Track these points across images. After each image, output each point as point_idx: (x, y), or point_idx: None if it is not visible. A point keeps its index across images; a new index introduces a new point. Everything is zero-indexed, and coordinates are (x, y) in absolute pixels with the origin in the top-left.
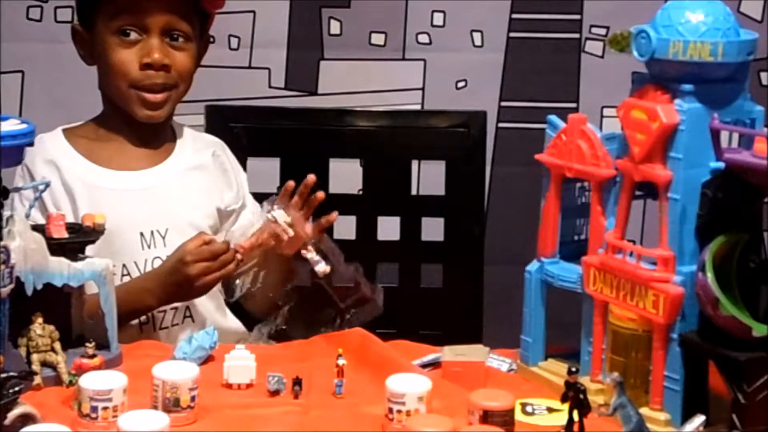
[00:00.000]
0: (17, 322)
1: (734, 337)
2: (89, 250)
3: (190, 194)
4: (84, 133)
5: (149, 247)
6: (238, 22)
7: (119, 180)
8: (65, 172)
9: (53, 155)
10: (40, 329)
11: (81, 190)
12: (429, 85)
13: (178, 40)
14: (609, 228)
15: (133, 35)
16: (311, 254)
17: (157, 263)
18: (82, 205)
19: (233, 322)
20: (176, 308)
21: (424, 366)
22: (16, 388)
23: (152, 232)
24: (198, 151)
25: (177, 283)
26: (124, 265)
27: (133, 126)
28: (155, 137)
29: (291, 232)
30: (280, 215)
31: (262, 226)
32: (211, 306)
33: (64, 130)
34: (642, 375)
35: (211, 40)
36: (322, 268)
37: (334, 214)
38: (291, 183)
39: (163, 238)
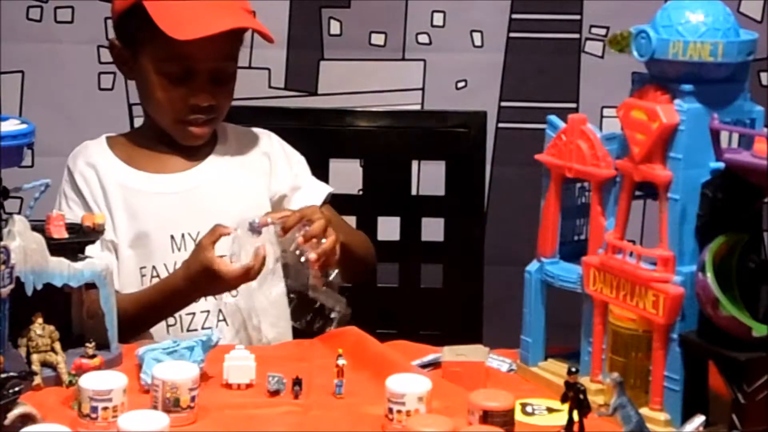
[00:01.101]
0: (17, 322)
1: (734, 337)
2: (124, 248)
3: (226, 195)
4: (125, 140)
5: (179, 249)
6: None
7: (154, 183)
8: (103, 174)
9: (94, 159)
10: (40, 329)
11: (116, 192)
12: (429, 85)
13: (223, 81)
14: (609, 228)
15: (181, 76)
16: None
17: None
18: (117, 206)
19: (270, 328)
20: (208, 311)
21: (423, 366)
22: (16, 388)
23: (183, 235)
24: (240, 148)
25: (206, 281)
26: (154, 267)
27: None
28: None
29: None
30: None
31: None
32: (245, 310)
33: (108, 138)
34: (642, 375)
35: None
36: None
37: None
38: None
39: (195, 240)
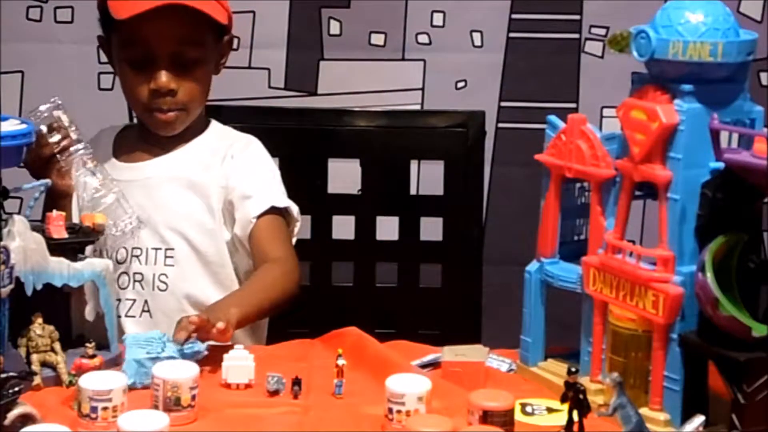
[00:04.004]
0: (17, 322)
1: (734, 337)
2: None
3: (174, 190)
4: (131, 129)
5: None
6: (238, 22)
7: (113, 170)
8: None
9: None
10: (40, 329)
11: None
12: (428, 85)
13: (187, 66)
14: (609, 228)
15: (142, 63)
16: None
17: (121, 254)
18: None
19: None
20: (134, 300)
21: (423, 366)
22: (16, 388)
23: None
24: (210, 148)
25: None
26: (99, 251)
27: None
28: (174, 137)
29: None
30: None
31: None
32: (173, 306)
33: (128, 124)
34: (642, 375)
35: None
36: None
37: None
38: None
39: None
